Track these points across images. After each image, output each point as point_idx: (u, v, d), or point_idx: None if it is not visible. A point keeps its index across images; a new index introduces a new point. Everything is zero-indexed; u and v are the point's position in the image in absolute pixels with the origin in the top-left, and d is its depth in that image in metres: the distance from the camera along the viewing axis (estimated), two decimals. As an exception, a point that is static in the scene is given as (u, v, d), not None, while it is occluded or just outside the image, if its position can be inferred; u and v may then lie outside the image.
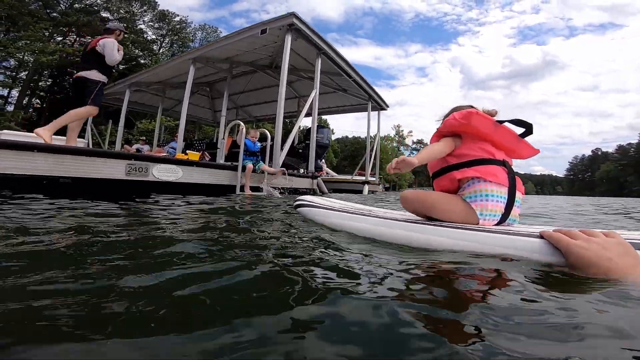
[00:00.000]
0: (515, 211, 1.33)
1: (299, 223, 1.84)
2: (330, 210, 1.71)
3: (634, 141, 74.48)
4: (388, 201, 5.24)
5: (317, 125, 7.81)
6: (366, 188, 10.60)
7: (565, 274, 0.87)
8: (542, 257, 0.97)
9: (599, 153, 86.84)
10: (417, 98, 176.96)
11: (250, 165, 4.84)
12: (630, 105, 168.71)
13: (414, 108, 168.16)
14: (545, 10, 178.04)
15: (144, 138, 11.45)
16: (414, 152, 72.72)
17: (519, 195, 1.33)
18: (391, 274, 0.87)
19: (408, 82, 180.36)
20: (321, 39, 7.34)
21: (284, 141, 6.45)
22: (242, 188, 4.65)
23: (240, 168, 4.62)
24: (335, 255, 1.10)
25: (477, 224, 1.26)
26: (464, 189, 1.35)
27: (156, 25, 35.56)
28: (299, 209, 1.97)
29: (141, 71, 11.87)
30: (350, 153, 58.24)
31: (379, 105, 11.54)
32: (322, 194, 7.24)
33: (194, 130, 19.00)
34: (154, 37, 35.25)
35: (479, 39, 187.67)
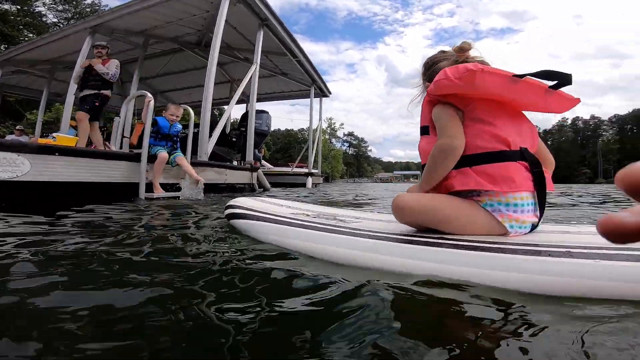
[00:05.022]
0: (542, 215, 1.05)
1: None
2: (284, 224, 1.20)
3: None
4: (342, 195, 4.31)
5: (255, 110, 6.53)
6: (310, 180, 9.74)
7: None
8: None
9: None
10: (346, 93, 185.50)
11: (163, 154, 3.39)
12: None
13: (343, 103, 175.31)
14: (458, 15, 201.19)
15: (21, 127, 8.84)
16: (345, 144, 74.35)
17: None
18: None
19: (338, 78, 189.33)
20: (266, 6, 6.08)
21: (212, 128, 5.10)
22: (149, 187, 3.23)
23: (144, 158, 3.18)
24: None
25: (505, 235, 0.98)
26: (479, 194, 1.00)
27: (60, 7, 29.97)
28: (232, 222, 1.43)
29: (19, 45, 9.11)
30: (283, 145, 57.57)
31: (322, 92, 10.66)
32: (264, 190, 6.08)
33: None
34: (55, 20, 29.67)
35: (402, 39, 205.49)
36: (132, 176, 3.15)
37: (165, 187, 3.47)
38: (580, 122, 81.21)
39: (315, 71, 9.22)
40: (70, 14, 30.50)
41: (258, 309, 0.67)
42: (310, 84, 9.92)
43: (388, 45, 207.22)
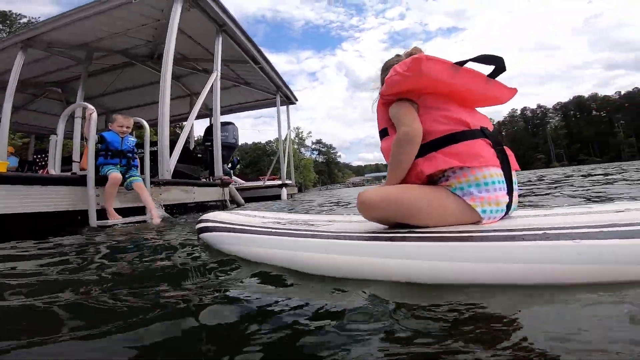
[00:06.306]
0: (515, 196, 1.00)
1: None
2: (248, 232, 1.13)
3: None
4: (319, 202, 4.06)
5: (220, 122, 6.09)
6: (284, 192, 9.38)
7: None
8: None
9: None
10: (310, 101, 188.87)
11: (115, 174, 2.92)
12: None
13: (308, 111, 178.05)
14: (408, 17, 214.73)
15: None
16: (314, 152, 74.36)
17: (514, 172, 1.02)
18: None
19: (301, 87, 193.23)
20: (223, 10, 5.72)
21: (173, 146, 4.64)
22: (100, 213, 2.75)
23: (91, 180, 2.71)
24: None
25: (478, 223, 0.93)
26: (448, 178, 0.98)
27: (-7, 28, 27.88)
28: (202, 236, 1.33)
29: None
30: (252, 160, 56.83)
31: (288, 99, 10.38)
32: (237, 206, 5.66)
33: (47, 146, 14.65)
34: (-12, 41, 27.50)
35: (359, 44, 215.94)
36: (78, 203, 2.66)
37: (123, 212, 2.99)
38: (528, 111, 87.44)
39: (280, 78, 8.94)
40: (4, 34, 28.42)
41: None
42: (275, 91, 9.62)
43: (346, 51, 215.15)
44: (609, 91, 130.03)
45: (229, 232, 1.20)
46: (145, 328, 0.63)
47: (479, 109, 1.15)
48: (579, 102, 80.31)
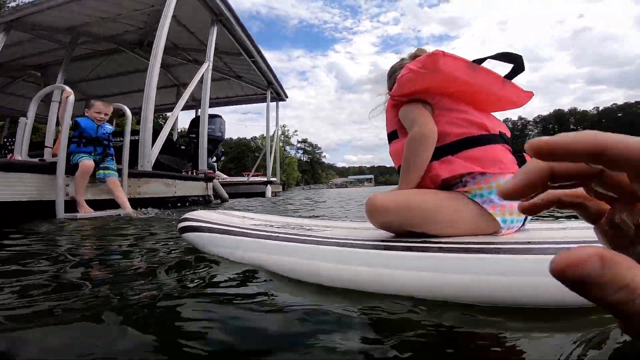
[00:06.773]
0: None
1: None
2: (240, 235, 1.02)
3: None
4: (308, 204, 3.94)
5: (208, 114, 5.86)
6: (269, 189, 9.20)
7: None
8: None
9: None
10: (299, 100, 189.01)
11: (86, 162, 2.71)
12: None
13: (296, 110, 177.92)
14: (402, 22, 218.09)
15: None
16: (299, 151, 74.13)
17: None
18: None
19: (290, 86, 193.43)
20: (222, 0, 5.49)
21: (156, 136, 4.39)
22: (69, 205, 2.52)
23: (61, 168, 2.48)
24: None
25: (496, 233, 0.86)
26: (465, 184, 0.91)
27: (-24, 11, 26.31)
28: (186, 235, 1.21)
29: None
30: (235, 155, 56.30)
31: (278, 95, 10.20)
32: (222, 201, 5.47)
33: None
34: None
35: (352, 46, 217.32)
36: (46, 193, 2.42)
37: (95, 204, 2.76)
38: (509, 123, 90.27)
39: (272, 73, 8.76)
40: (-6, 16, 27.03)
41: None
42: (266, 87, 9.42)
43: (338, 52, 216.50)
44: (589, 106, 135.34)
45: (218, 233, 1.09)
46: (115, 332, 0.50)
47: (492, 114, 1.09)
48: (559, 116, 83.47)
